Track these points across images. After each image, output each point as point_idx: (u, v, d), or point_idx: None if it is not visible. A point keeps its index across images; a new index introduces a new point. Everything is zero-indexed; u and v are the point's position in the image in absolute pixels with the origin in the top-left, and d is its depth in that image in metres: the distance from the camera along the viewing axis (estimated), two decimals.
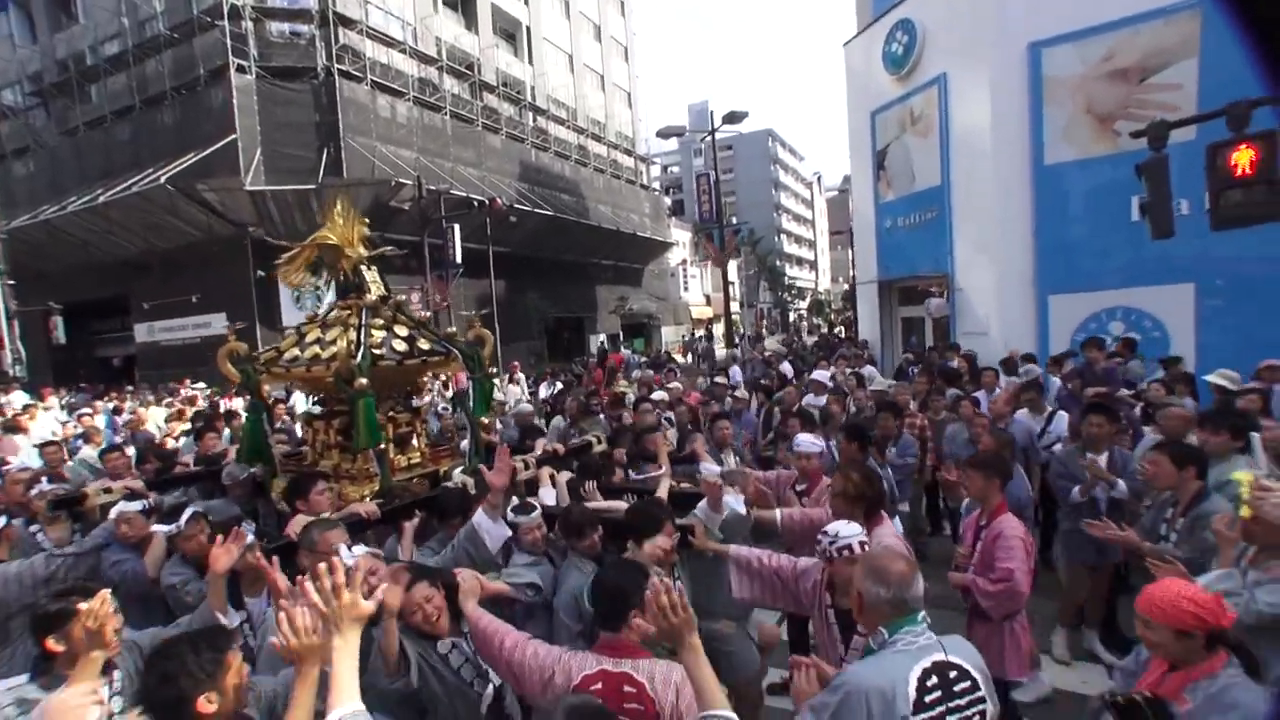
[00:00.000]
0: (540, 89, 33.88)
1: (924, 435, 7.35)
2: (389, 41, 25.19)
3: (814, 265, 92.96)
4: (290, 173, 21.97)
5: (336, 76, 22.70)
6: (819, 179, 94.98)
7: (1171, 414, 5.37)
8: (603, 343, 34.76)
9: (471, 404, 5.17)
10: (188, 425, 10.35)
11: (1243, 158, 6.28)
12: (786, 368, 14.60)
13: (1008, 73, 12.86)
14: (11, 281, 16.74)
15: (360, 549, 3.05)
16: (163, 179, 20.60)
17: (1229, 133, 6.53)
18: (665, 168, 73.03)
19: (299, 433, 6.77)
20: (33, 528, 4.48)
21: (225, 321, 23.35)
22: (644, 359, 24.37)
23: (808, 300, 78.59)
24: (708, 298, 51.09)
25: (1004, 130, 13.04)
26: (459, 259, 21.43)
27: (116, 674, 2.57)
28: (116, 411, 14.17)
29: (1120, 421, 5.97)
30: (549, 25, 35.22)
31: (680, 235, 48.96)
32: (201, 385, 17.02)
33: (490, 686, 2.92)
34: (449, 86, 27.64)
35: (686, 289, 49.96)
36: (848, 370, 11.70)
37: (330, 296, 20.71)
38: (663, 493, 4.41)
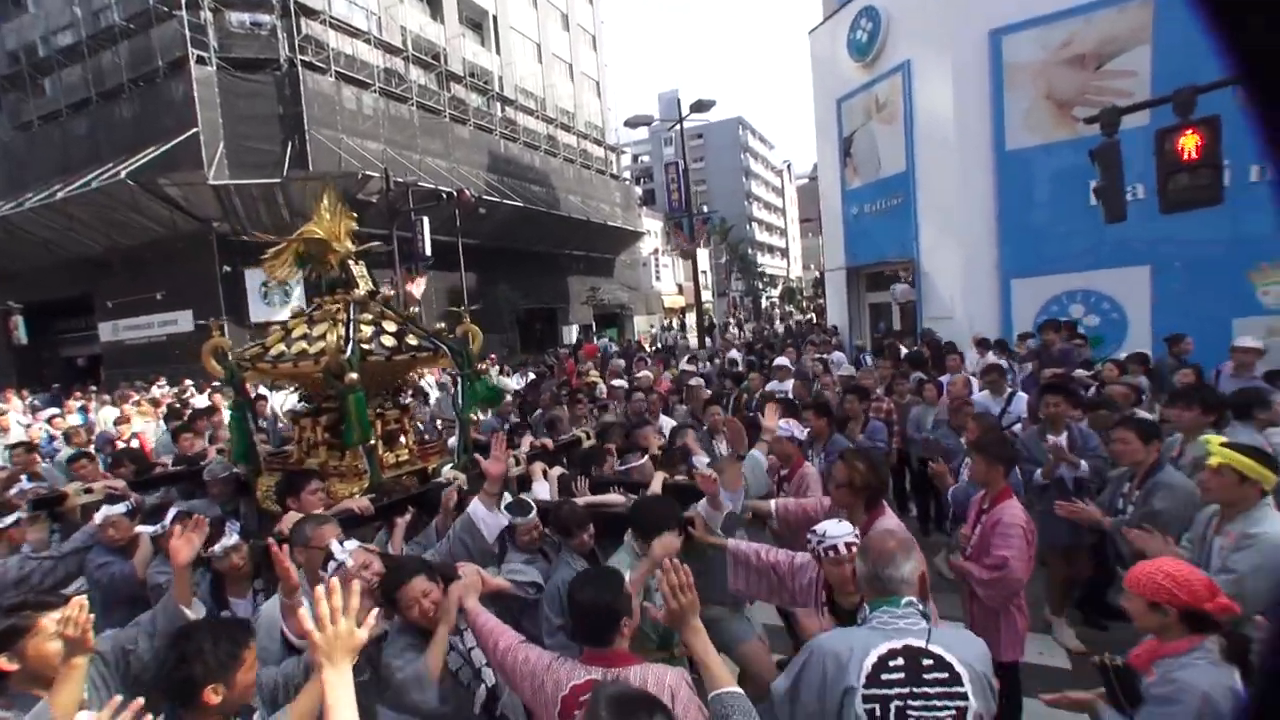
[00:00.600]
0: (508, 79, 33.61)
1: (890, 418, 7.50)
2: (353, 31, 24.84)
3: (785, 253, 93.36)
4: (254, 166, 21.62)
5: (300, 68, 22.33)
6: (789, 167, 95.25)
7: (1113, 390, 5.66)
8: (579, 334, 34.78)
9: (460, 401, 5.13)
10: (140, 425, 10.20)
11: (1189, 142, 6.49)
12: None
13: (970, 59, 13.05)
14: None
15: (353, 543, 3.05)
16: (123, 174, 20.16)
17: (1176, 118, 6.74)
18: (636, 157, 72.81)
19: (279, 429, 6.76)
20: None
21: (192, 318, 23.06)
22: (616, 349, 24.43)
23: (780, 288, 78.96)
24: (680, 287, 51.14)
25: (966, 116, 13.23)
26: (429, 252, 21.27)
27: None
28: (83, 410, 13.94)
29: (1078, 401, 6.19)
30: (516, 14, 34.90)
31: (652, 225, 48.96)
32: (163, 385, 16.75)
33: (484, 686, 2.89)
34: (415, 77, 27.32)
35: (659, 279, 49.97)
36: (815, 356, 11.84)
37: (298, 291, 20.52)
38: (656, 487, 4.39)
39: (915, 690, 2.08)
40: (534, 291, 32.57)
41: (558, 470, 4.82)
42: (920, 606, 2.24)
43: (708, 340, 23.14)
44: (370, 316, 4.77)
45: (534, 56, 36.48)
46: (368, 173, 21.64)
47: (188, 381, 16.43)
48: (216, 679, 2.08)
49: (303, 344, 4.51)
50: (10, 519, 4.13)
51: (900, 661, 2.11)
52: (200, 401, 12.37)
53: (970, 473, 4.16)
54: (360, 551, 3.00)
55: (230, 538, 3.44)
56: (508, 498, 3.87)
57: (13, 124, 26.03)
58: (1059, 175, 12.17)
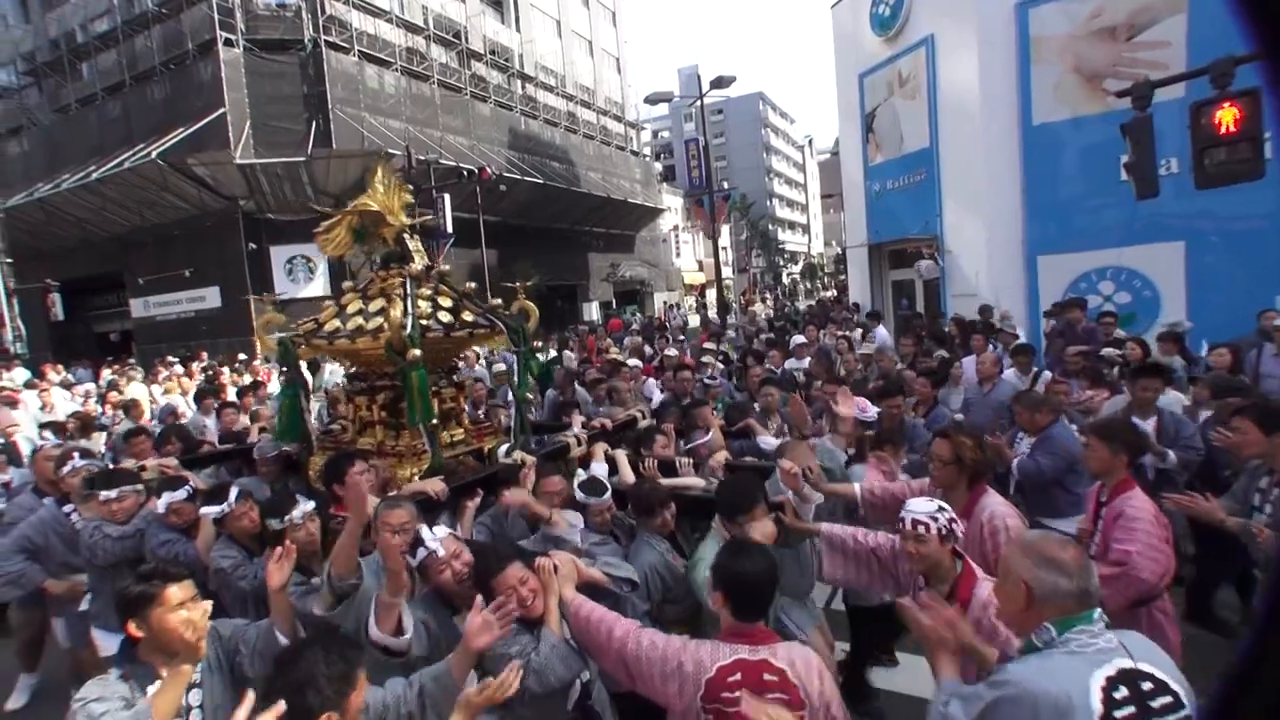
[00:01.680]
0: (528, 56, 33.52)
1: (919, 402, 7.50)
2: (375, 11, 24.93)
3: (806, 229, 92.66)
4: (279, 145, 21.89)
5: (324, 48, 22.53)
6: (810, 142, 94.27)
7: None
8: (599, 310, 34.88)
9: (516, 379, 4.93)
10: (178, 401, 10.26)
11: (1226, 116, 6.34)
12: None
13: (995, 33, 12.83)
14: (9, 260, 16.70)
15: (442, 530, 2.90)
16: (154, 154, 20.56)
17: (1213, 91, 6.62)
18: (656, 133, 72.39)
19: (314, 408, 6.45)
20: (66, 507, 4.45)
21: (219, 295, 23.47)
22: (637, 325, 24.48)
23: (800, 264, 78.46)
24: (700, 263, 50.96)
25: (992, 90, 13.03)
26: (450, 229, 21.43)
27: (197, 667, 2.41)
28: (113, 385, 14.17)
29: (1102, 380, 6.19)
30: None
31: (672, 201, 48.74)
32: (205, 361, 16.99)
33: (578, 682, 2.71)
34: (436, 55, 27.36)
35: (679, 255, 49.84)
36: (839, 334, 11.78)
37: (322, 268, 20.73)
38: (716, 462, 4.30)
39: None
40: (554, 268, 32.67)
41: (622, 451, 4.59)
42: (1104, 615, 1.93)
43: (729, 318, 23.03)
44: (428, 292, 4.61)
45: (554, 33, 36.32)
46: (390, 150, 21.72)
47: (243, 356, 16.64)
48: (331, 707, 1.91)
49: (359, 320, 4.38)
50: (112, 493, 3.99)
51: (1125, 692, 1.76)
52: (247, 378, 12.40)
53: (1086, 461, 3.71)
54: (451, 539, 2.86)
55: (305, 503, 3.40)
56: (581, 474, 3.77)
57: (52, 107, 26.65)
58: (1088, 150, 11.96)
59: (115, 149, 23.10)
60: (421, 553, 2.76)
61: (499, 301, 4.91)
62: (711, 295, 35.12)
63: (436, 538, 2.79)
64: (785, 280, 70.18)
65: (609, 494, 3.63)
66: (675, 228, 49.10)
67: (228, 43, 21.56)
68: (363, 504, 2.76)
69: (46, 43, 26.77)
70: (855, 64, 17.01)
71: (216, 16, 21.29)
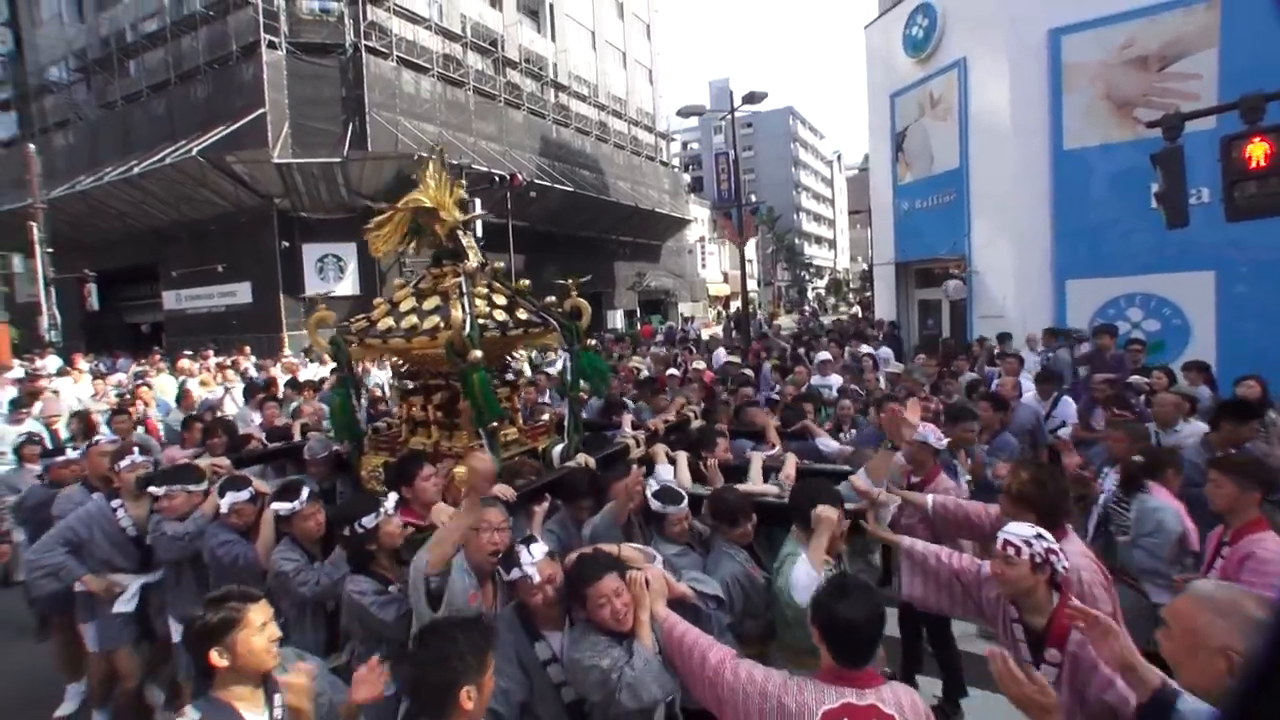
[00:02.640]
0: (562, 65, 33.86)
1: (938, 418, 7.54)
2: (415, 19, 25.27)
3: (833, 244, 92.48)
4: (316, 146, 22.28)
5: (364, 53, 22.91)
6: (839, 157, 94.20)
7: (1162, 400, 5.49)
8: (624, 319, 35.10)
9: (569, 379, 4.76)
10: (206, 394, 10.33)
11: (1257, 151, 6.37)
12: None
13: (1027, 58, 12.90)
14: (50, 250, 17.15)
15: (540, 549, 2.70)
16: (194, 151, 21.01)
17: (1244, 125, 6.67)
18: (685, 144, 72.58)
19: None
20: (114, 503, 4.36)
21: (250, 290, 23.88)
22: (663, 334, 24.70)
23: (825, 279, 78.28)
24: (725, 275, 51.10)
25: (1023, 115, 13.07)
26: (480, 233, 21.69)
27: (277, 696, 2.23)
28: (141, 376, 14.35)
29: (1130, 409, 6.16)
30: (572, 2, 35.08)
31: (699, 212, 48.96)
32: (250, 356, 17.08)
33: (661, 705, 2.58)
34: (472, 62, 27.72)
35: (704, 266, 49.99)
36: (863, 351, 11.86)
37: (352, 267, 20.92)
38: (789, 471, 4.18)
39: None
40: (580, 275, 32.81)
41: (682, 454, 4.45)
42: None
43: (750, 330, 23.12)
44: (484, 290, 4.51)
45: (589, 44, 36.67)
46: (423, 154, 22.08)
47: (287, 353, 16.83)
48: (472, 679, 1.93)
49: (413, 318, 4.27)
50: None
51: None
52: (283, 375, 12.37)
53: (1211, 498, 3.39)
54: (547, 563, 2.68)
55: (388, 501, 3.31)
56: (653, 484, 3.58)
57: (98, 103, 27.19)
58: (1119, 176, 11.95)
59: (157, 145, 23.59)
60: (516, 574, 2.64)
61: (552, 299, 4.81)
62: (737, 307, 35.20)
63: (534, 560, 2.63)
64: (810, 294, 70.01)
65: (685, 502, 3.45)
66: (701, 239, 49.27)
67: (271, 45, 21.98)
68: (473, 506, 2.73)
69: (97, 41, 27.36)
70: (887, 84, 17.09)
71: (262, 20, 21.74)
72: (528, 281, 4.91)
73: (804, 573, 2.88)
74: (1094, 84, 12.30)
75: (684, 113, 22.00)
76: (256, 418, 7.79)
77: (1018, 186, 13.26)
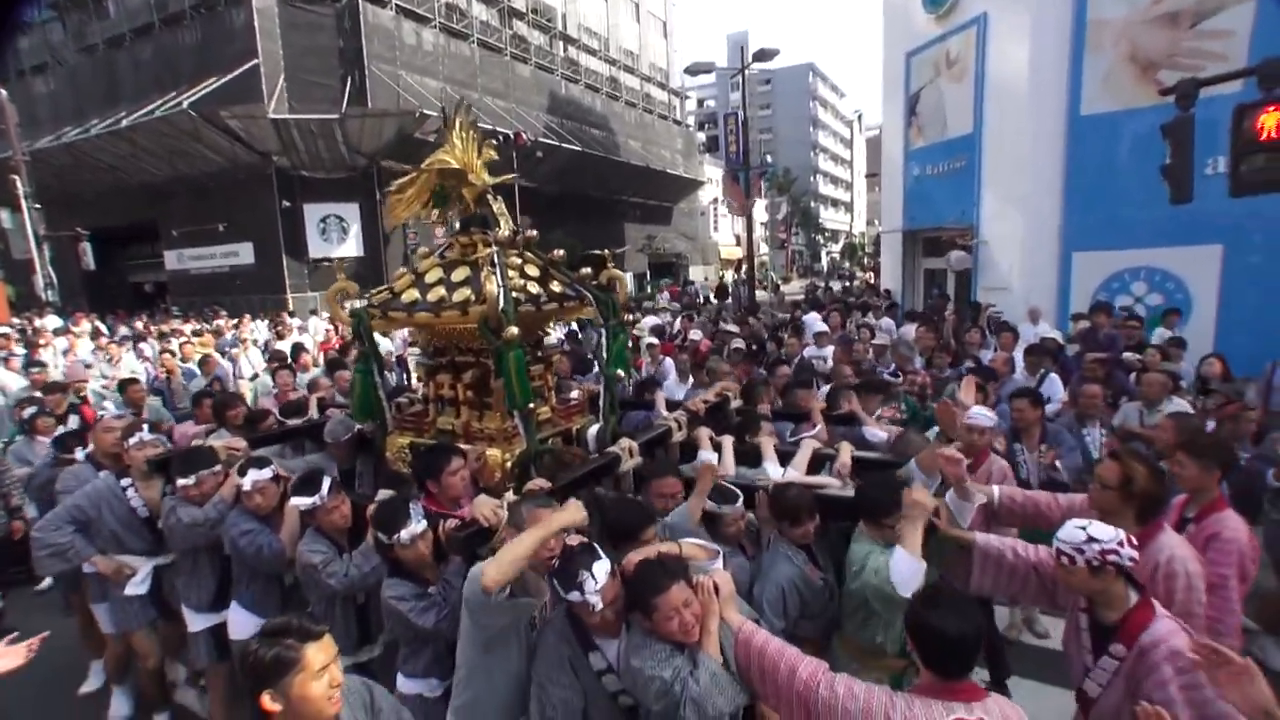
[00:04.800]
0: (571, 17, 33.01)
1: (924, 392, 7.24)
2: None
3: (850, 207, 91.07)
4: (314, 100, 21.80)
5: (361, 0, 22.25)
6: (860, 117, 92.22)
7: (1150, 379, 5.52)
8: (633, 281, 34.71)
9: (605, 355, 4.48)
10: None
11: (1270, 120, 5.99)
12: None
13: (1050, 13, 12.25)
14: (38, 205, 16.86)
15: (603, 570, 2.41)
16: (185, 103, 20.56)
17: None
18: (701, 101, 71.34)
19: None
20: (124, 482, 4.18)
21: (252, 251, 23.62)
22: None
23: (841, 243, 77.25)
24: (738, 238, 50.38)
25: (1042, 76, 12.48)
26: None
27: None
28: (139, 339, 14.29)
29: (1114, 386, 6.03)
30: None
31: (713, 173, 48.14)
32: (257, 322, 16.92)
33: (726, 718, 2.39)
34: (477, 13, 27.06)
35: (717, 229, 49.34)
36: (861, 322, 11.52)
37: (355, 229, 20.68)
38: (845, 459, 3.88)
39: None
40: (589, 238, 32.48)
41: (728, 438, 4.19)
42: None
43: (740, 297, 22.64)
44: (516, 261, 4.19)
45: None
46: (426, 111, 21.61)
47: (288, 317, 16.62)
48: None
49: (440, 290, 3.95)
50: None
51: None
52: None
53: (1179, 479, 3.42)
54: (610, 584, 2.42)
55: (416, 523, 2.96)
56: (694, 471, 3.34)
57: (77, 46, 26.31)
58: (1134, 144, 11.36)
59: (145, 94, 23.06)
60: (575, 597, 2.38)
61: (587, 271, 4.44)
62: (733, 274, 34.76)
63: (598, 587, 2.37)
64: (824, 259, 69.15)
65: (741, 501, 3.21)
66: (715, 200, 48.54)
67: None
68: (545, 532, 2.54)
69: None
70: (904, 41, 16.46)
71: None
72: (561, 251, 4.51)
73: (906, 564, 2.76)
74: (1117, 44, 11.66)
75: (692, 70, 21.31)
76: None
77: (1031, 153, 12.72)
